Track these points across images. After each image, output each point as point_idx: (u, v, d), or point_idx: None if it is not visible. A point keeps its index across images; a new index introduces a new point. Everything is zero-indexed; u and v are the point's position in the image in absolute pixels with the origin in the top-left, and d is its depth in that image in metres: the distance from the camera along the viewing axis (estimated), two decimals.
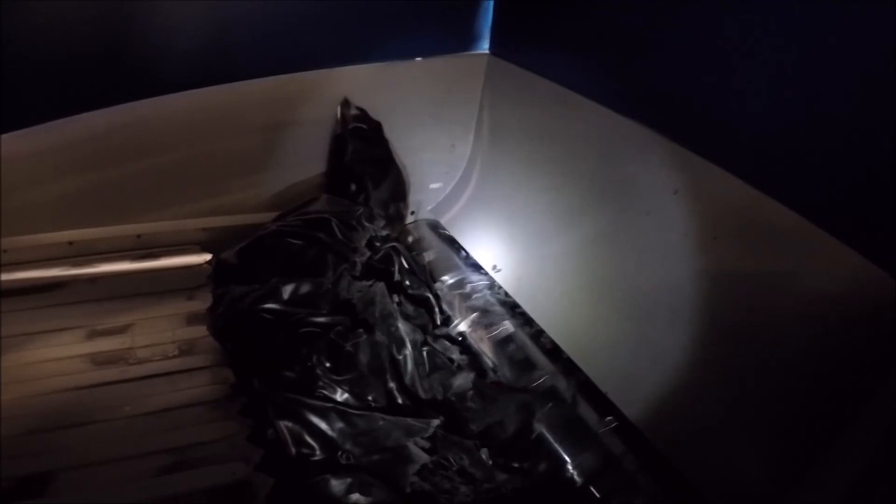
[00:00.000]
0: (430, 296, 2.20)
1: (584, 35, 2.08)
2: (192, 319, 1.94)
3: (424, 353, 1.95)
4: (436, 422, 1.73)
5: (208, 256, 2.16)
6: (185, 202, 2.25)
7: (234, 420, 1.63)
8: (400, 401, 1.81)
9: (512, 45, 2.41)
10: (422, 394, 1.85)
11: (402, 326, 1.94)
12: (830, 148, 1.42)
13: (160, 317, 1.93)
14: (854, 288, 1.38)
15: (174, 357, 1.81)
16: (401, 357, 1.88)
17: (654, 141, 1.81)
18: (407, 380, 1.85)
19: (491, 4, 2.40)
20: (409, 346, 1.91)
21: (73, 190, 2.03)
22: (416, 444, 1.67)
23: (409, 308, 2.11)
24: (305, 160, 2.42)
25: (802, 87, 1.45)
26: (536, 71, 2.26)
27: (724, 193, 1.64)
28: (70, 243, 2.11)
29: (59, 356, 1.77)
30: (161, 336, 1.87)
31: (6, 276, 1.96)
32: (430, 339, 2.03)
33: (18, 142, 1.85)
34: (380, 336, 1.89)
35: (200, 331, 1.89)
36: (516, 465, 1.74)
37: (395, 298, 2.06)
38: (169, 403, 1.66)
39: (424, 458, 1.65)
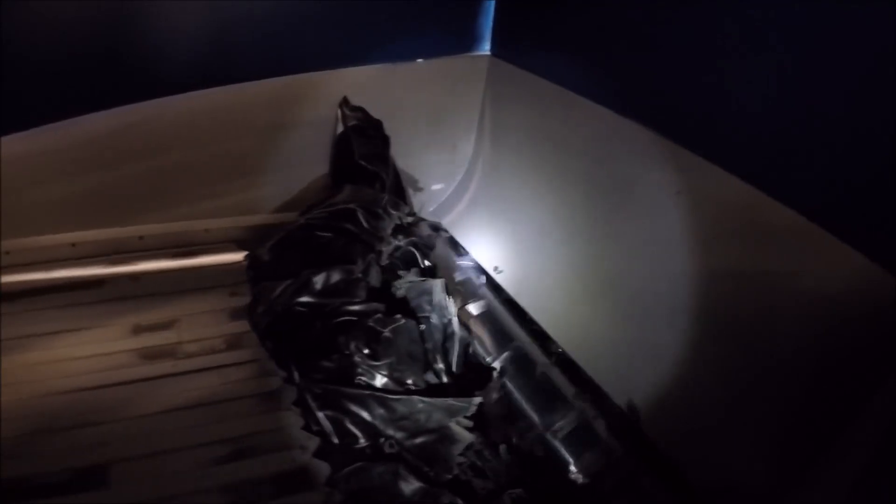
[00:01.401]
0: None
1: (585, 36, 2.09)
2: (236, 314, 1.97)
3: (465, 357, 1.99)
4: (478, 399, 1.75)
5: (244, 254, 2.18)
6: (188, 203, 2.26)
7: (287, 410, 1.67)
8: (446, 380, 1.85)
9: (513, 46, 2.44)
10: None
11: (456, 322, 1.98)
12: (831, 148, 1.41)
13: (204, 312, 1.96)
14: (855, 287, 1.36)
15: (223, 351, 1.84)
16: (444, 350, 1.91)
17: (656, 142, 1.81)
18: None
19: (492, 6, 2.44)
20: (457, 342, 1.94)
21: (75, 191, 2.03)
22: (458, 423, 1.70)
23: None
24: (308, 160, 2.44)
25: (803, 86, 1.45)
26: (538, 72, 2.28)
27: (726, 194, 1.63)
28: (73, 245, 2.12)
29: (108, 351, 1.79)
30: (207, 331, 1.90)
31: (49, 274, 1.99)
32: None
33: (21, 143, 1.85)
34: (435, 319, 1.93)
35: (246, 325, 1.92)
36: (523, 464, 1.75)
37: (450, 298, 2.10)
38: (222, 395, 1.69)
39: (468, 437, 1.67)
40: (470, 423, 1.72)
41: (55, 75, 1.87)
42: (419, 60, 2.44)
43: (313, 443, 1.59)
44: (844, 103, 1.37)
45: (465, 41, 2.49)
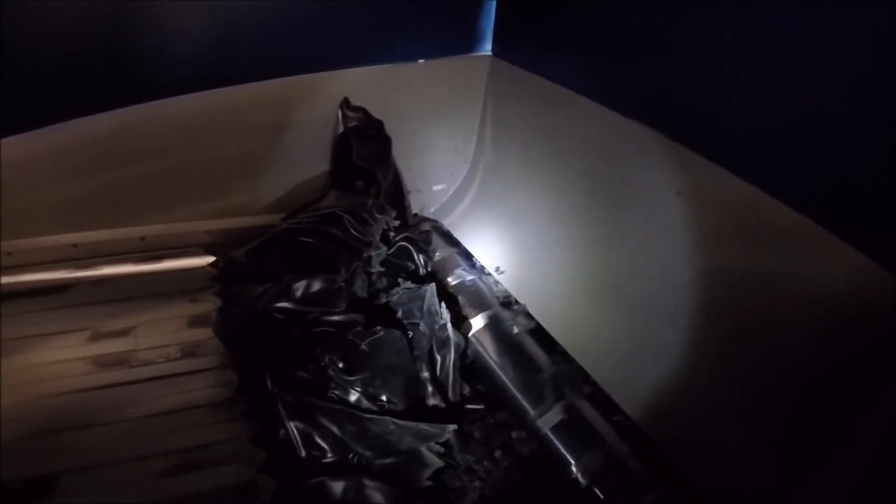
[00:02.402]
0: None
1: (587, 36, 2.06)
2: (194, 322, 1.92)
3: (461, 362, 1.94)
4: (452, 427, 1.70)
5: (211, 259, 2.14)
6: (189, 204, 2.23)
7: (237, 422, 1.63)
8: (430, 390, 1.81)
9: (514, 46, 2.39)
10: (450, 396, 1.85)
11: (450, 328, 1.94)
12: (833, 147, 1.39)
13: (163, 319, 1.92)
14: (857, 287, 1.36)
15: (177, 359, 1.80)
16: (439, 357, 1.87)
17: (657, 141, 1.79)
18: (440, 380, 1.85)
19: (493, 6, 2.39)
20: (452, 348, 1.90)
21: (77, 193, 2.02)
22: (429, 448, 1.65)
23: None
24: (309, 161, 2.41)
25: (804, 86, 1.43)
26: (539, 72, 2.24)
27: (727, 194, 1.62)
28: (74, 246, 2.10)
29: (63, 359, 1.75)
30: (164, 338, 1.85)
31: (8, 279, 1.94)
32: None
33: (22, 145, 1.83)
34: (423, 327, 1.88)
35: (203, 333, 1.88)
36: (523, 465, 1.73)
37: (443, 304, 2.05)
38: (172, 406, 1.66)
39: (437, 462, 1.62)
40: (441, 449, 1.67)
41: (55, 77, 1.85)
42: (420, 61, 2.40)
43: (260, 456, 1.54)
44: (846, 103, 1.35)
45: (466, 41, 2.44)
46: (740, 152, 1.59)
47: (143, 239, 2.20)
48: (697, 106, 1.71)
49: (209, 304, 1.98)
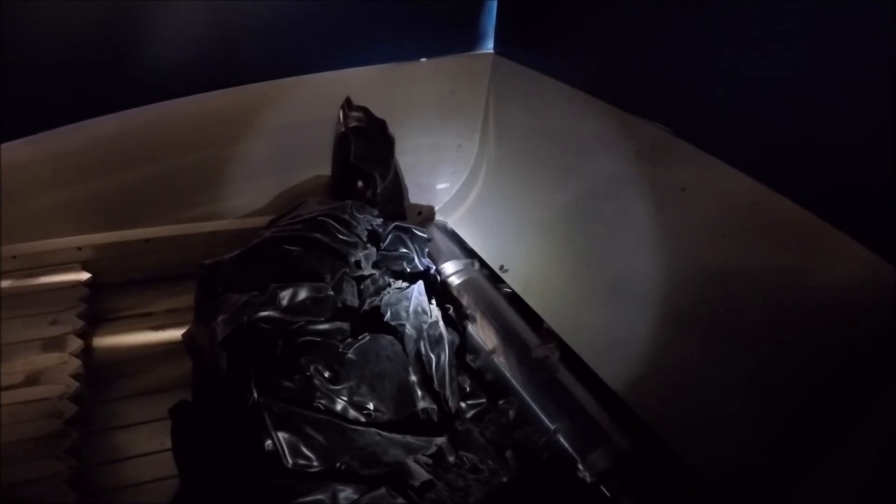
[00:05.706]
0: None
1: (588, 33, 2.01)
2: (48, 346, 1.86)
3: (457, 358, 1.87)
4: (440, 440, 1.62)
5: (86, 276, 2.11)
6: (193, 206, 2.25)
7: (59, 459, 1.55)
8: (420, 394, 1.74)
9: (516, 44, 2.35)
10: (450, 398, 1.78)
11: (442, 325, 1.87)
12: (836, 141, 1.35)
13: (18, 342, 1.87)
14: (863, 283, 1.32)
15: (18, 387, 1.74)
16: (433, 356, 1.80)
17: (661, 137, 1.74)
18: (436, 379, 1.77)
19: (495, 4, 2.34)
20: (446, 345, 1.83)
21: (80, 196, 2.01)
22: (416, 461, 1.57)
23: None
24: (313, 161, 2.40)
25: (807, 80, 1.39)
26: (541, 69, 2.18)
27: (732, 189, 1.57)
28: (79, 248, 2.11)
29: None
30: (13, 364, 1.79)
31: None
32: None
33: (25, 148, 1.84)
34: (409, 329, 1.81)
35: (52, 359, 1.82)
36: (529, 464, 1.70)
37: (434, 301, 1.98)
38: (2, 437, 1.58)
39: (424, 475, 1.53)
40: (430, 461, 1.59)
41: (57, 80, 1.84)
42: (422, 60, 2.36)
43: (71, 499, 1.47)
44: (849, 95, 1.32)
45: (468, 40, 2.40)
46: (743, 147, 1.54)
47: (147, 241, 2.21)
48: (700, 101, 1.66)
49: (68, 326, 1.92)
